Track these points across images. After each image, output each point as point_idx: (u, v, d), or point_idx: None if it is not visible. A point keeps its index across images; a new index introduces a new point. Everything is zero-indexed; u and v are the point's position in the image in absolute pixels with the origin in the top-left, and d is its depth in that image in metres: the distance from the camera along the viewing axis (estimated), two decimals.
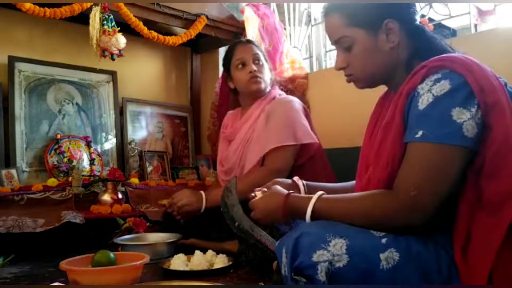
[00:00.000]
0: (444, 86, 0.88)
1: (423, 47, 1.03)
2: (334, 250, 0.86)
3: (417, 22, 1.07)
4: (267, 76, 1.90)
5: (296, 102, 1.83)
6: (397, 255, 0.86)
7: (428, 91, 0.89)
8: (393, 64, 1.05)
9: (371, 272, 0.86)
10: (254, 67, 1.86)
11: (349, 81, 1.13)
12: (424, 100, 0.89)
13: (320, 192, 1.01)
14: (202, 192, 1.80)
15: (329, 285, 0.86)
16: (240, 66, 1.88)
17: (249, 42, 1.97)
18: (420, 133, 0.88)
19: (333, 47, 1.14)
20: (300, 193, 1.26)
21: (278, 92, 1.92)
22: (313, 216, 0.98)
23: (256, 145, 1.78)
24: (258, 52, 1.90)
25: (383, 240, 0.88)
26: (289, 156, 1.71)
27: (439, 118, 0.87)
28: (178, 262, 1.51)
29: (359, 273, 0.86)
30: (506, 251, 0.82)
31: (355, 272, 0.86)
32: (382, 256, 0.86)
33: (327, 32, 1.13)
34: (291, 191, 1.09)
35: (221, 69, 2.96)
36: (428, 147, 0.87)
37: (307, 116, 1.84)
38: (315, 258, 0.86)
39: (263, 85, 1.87)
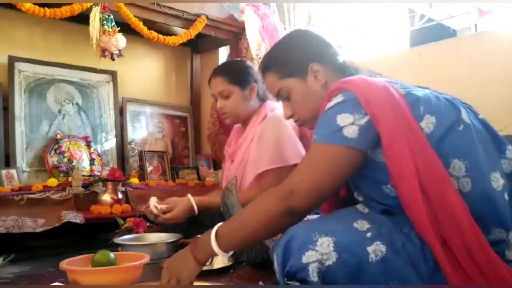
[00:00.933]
0: (338, 99, 0.99)
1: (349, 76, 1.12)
2: (322, 249, 0.90)
3: (340, 60, 1.20)
4: (240, 104, 1.82)
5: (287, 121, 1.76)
6: (383, 247, 0.90)
7: (328, 105, 1.02)
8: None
9: (361, 266, 0.89)
10: (220, 104, 1.84)
11: (299, 126, 1.29)
12: (322, 112, 1.03)
13: (216, 226, 1.03)
14: (193, 204, 1.76)
15: (327, 285, 0.87)
16: (215, 100, 1.91)
17: (218, 74, 1.86)
18: (314, 137, 1.00)
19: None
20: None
21: (270, 108, 1.85)
22: (223, 247, 1.00)
23: (251, 166, 1.76)
24: (224, 87, 1.82)
25: (368, 234, 0.92)
26: (282, 176, 1.65)
27: (326, 123, 0.99)
28: None
29: (349, 269, 0.89)
30: (461, 239, 0.86)
31: (345, 268, 0.89)
32: (369, 249, 0.89)
33: (268, 90, 1.29)
34: (198, 236, 1.08)
35: None
36: (315, 146, 0.99)
37: (306, 130, 1.77)
38: (304, 259, 0.89)
39: (231, 119, 1.86)
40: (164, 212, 1.75)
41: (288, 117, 1.25)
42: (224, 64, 1.93)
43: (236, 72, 1.84)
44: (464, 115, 0.99)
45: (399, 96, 0.97)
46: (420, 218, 0.88)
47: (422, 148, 0.91)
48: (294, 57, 1.19)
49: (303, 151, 1.70)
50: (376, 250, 0.89)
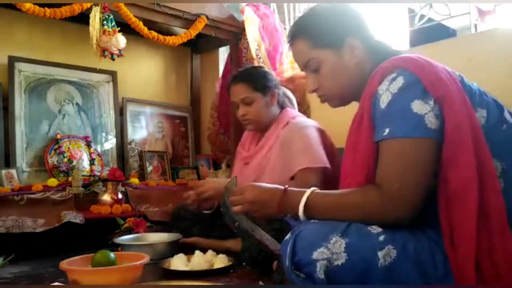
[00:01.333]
0: (399, 83, 0.92)
1: (385, 59, 1.06)
2: (334, 248, 0.88)
3: (377, 38, 1.13)
4: (262, 111, 1.82)
5: (312, 127, 1.76)
6: (394, 252, 0.87)
7: (387, 90, 0.94)
8: (359, 79, 1.10)
9: (368, 270, 0.87)
10: (242, 111, 1.83)
11: (322, 101, 1.20)
12: (384, 99, 0.94)
13: (313, 188, 1.03)
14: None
15: (328, 284, 0.87)
16: (235, 107, 1.89)
17: (239, 81, 1.84)
18: (387, 130, 0.92)
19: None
20: None
21: (291, 115, 1.84)
22: (306, 211, 0.99)
23: (275, 171, 1.72)
24: (246, 94, 1.80)
25: (381, 238, 0.89)
26: (319, 176, 1.65)
27: (400, 113, 0.91)
28: (178, 262, 1.51)
29: (357, 271, 0.87)
30: (486, 239, 0.84)
31: (352, 270, 0.87)
32: (380, 253, 0.87)
33: (295, 59, 1.19)
34: (287, 186, 1.08)
35: (221, 69, 2.98)
36: (396, 142, 0.91)
37: (325, 138, 1.78)
38: (314, 255, 0.88)
39: (253, 126, 1.85)
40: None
41: (313, 91, 1.17)
42: (244, 71, 1.89)
43: (258, 79, 1.83)
44: (507, 115, 0.97)
45: (458, 81, 0.94)
46: (470, 211, 0.84)
47: (479, 139, 0.88)
48: (331, 26, 1.10)
49: (325, 159, 1.69)
50: (386, 255, 0.87)
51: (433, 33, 2.43)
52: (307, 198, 1.00)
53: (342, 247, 0.88)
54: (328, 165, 1.66)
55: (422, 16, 2.30)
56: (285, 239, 0.97)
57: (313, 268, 0.87)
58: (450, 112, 0.89)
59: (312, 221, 0.99)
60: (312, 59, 1.12)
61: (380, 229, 0.91)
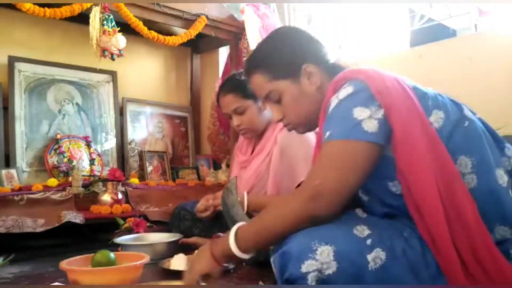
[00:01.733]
0: (347, 90, 0.95)
1: None
2: (322, 258, 0.86)
3: (331, 61, 1.15)
4: (256, 117, 1.79)
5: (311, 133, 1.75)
6: (383, 254, 0.87)
7: (336, 97, 0.97)
8: (321, 102, 1.09)
9: (360, 275, 0.86)
10: (236, 122, 1.79)
11: (289, 130, 1.21)
12: (332, 105, 0.97)
13: (237, 225, 1.00)
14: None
15: (329, 285, 0.87)
16: (228, 117, 1.87)
17: (227, 92, 1.80)
18: (328, 133, 0.94)
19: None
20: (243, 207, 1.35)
21: None
22: (241, 248, 0.96)
23: (275, 178, 1.70)
24: (238, 103, 1.77)
25: (368, 241, 0.89)
26: None
27: (341, 117, 0.93)
28: (178, 262, 1.51)
29: (349, 278, 0.86)
30: (464, 236, 0.85)
31: (345, 277, 0.86)
32: (369, 257, 0.87)
33: (255, 91, 1.20)
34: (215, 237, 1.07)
35: (221, 69, 2.98)
36: (332, 144, 0.93)
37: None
38: (303, 269, 0.86)
39: (250, 134, 1.83)
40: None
41: (278, 121, 1.19)
42: (229, 80, 1.85)
43: (246, 86, 1.76)
44: (467, 112, 0.98)
45: (409, 89, 0.95)
46: (436, 216, 0.85)
47: (434, 143, 0.89)
48: (286, 57, 1.12)
49: None
50: (375, 257, 0.87)
51: (433, 33, 2.43)
52: (235, 235, 0.97)
53: (331, 256, 0.86)
54: None
55: (422, 16, 2.30)
56: (272, 251, 0.95)
57: (305, 281, 0.86)
58: (397, 120, 0.90)
59: (294, 234, 0.94)
60: (272, 91, 1.14)
61: (366, 232, 0.90)
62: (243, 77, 1.83)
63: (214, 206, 1.71)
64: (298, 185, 1.62)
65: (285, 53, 1.12)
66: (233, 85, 1.81)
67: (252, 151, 1.89)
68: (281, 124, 1.78)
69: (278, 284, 0.92)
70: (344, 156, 0.90)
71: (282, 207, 0.95)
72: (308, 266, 0.86)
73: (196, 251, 1.51)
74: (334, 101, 0.96)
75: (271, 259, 0.94)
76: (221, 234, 1.10)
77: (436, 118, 0.94)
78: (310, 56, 1.12)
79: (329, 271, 0.86)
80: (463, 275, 0.83)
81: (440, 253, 0.86)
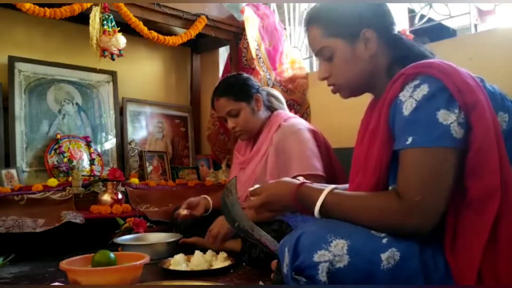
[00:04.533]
0: (424, 90, 0.90)
1: (402, 54, 1.06)
2: (335, 251, 0.87)
3: (395, 31, 1.10)
4: (251, 119, 1.81)
5: (305, 130, 1.72)
6: (398, 255, 0.87)
7: (410, 97, 0.91)
8: (373, 72, 1.08)
9: (371, 272, 0.86)
10: (231, 124, 1.82)
11: (333, 92, 1.16)
12: (407, 106, 0.91)
13: (332, 186, 1.01)
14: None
15: (329, 285, 0.87)
16: (223, 120, 1.88)
17: (221, 95, 1.82)
18: (410, 139, 0.89)
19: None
20: None
21: (282, 117, 1.81)
22: (322, 209, 0.98)
23: (271, 177, 1.69)
24: (231, 106, 1.79)
25: (384, 240, 0.88)
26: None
27: (425, 122, 0.88)
28: (178, 262, 1.51)
29: (359, 274, 0.86)
30: (493, 250, 0.83)
31: (355, 272, 0.86)
32: (383, 256, 0.86)
33: (309, 44, 1.16)
34: (305, 181, 1.08)
35: (221, 69, 2.98)
36: (420, 152, 0.88)
37: (319, 139, 1.75)
38: (316, 258, 0.87)
39: (246, 136, 1.85)
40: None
41: (323, 79, 1.15)
42: (223, 84, 1.87)
43: (238, 88, 1.81)
44: None
45: (481, 86, 0.93)
46: (486, 220, 0.83)
47: (502, 145, 0.87)
48: (347, 16, 1.07)
49: (321, 162, 1.66)
50: (389, 257, 0.86)
51: (433, 33, 2.43)
52: (325, 197, 0.98)
53: (345, 249, 0.87)
54: (319, 172, 1.62)
55: (422, 16, 2.30)
56: (282, 241, 0.96)
57: (315, 270, 0.86)
58: (480, 120, 0.87)
59: (313, 223, 0.98)
60: (325, 47, 1.10)
61: (383, 233, 0.90)
62: (239, 79, 1.86)
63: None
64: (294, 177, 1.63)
65: (347, 13, 1.08)
66: (226, 88, 1.83)
67: (250, 152, 1.90)
68: (276, 124, 1.80)
69: (285, 270, 0.91)
70: (438, 166, 0.87)
71: (379, 206, 0.92)
72: (320, 256, 0.87)
73: (196, 251, 1.51)
74: (410, 102, 0.91)
75: (282, 247, 0.94)
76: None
77: (501, 120, 0.92)
78: (372, 21, 1.07)
79: (340, 264, 0.86)
80: (474, 278, 0.82)
81: (459, 257, 0.84)
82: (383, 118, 0.97)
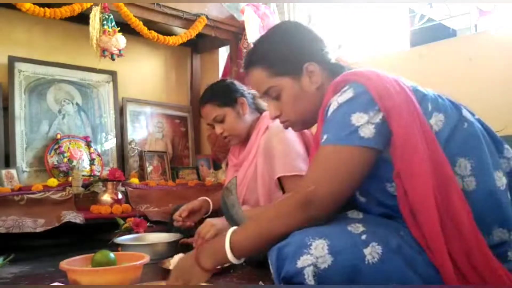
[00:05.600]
0: (348, 94, 0.95)
1: None
2: (316, 252, 0.87)
3: (332, 61, 1.13)
4: (237, 123, 1.81)
5: (290, 130, 1.70)
6: (379, 248, 0.88)
7: (335, 101, 0.97)
8: (320, 102, 1.09)
9: (358, 268, 0.87)
10: (218, 130, 1.83)
11: (286, 127, 1.20)
12: (331, 108, 0.97)
13: (232, 229, 1.00)
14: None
15: (327, 285, 0.87)
16: (212, 127, 1.89)
17: (205, 103, 1.84)
18: (325, 137, 0.95)
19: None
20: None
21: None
22: (235, 253, 0.95)
23: (263, 179, 1.70)
24: (216, 112, 1.80)
25: (363, 237, 0.89)
26: (294, 183, 1.59)
27: (339, 122, 0.94)
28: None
29: (346, 271, 0.87)
30: (458, 240, 0.85)
31: (341, 270, 0.86)
32: (365, 251, 0.87)
33: (254, 87, 1.19)
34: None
35: (221, 69, 2.98)
36: (328, 148, 0.94)
37: (306, 138, 1.72)
38: (299, 264, 0.86)
39: (235, 140, 1.85)
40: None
41: (275, 117, 1.19)
42: (207, 91, 1.90)
43: (221, 94, 1.83)
44: (466, 113, 0.98)
45: (409, 91, 0.95)
46: (431, 221, 0.85)
47: (432, 146, 0.89)
48: (288, 54, 1.10)
49: (307, 163, 1.63)
50: (372, 251, 0.87)
51: (433, 33, 2.44)
52: (230, 241, 0.96)
53: (325, 249, 0.87)
54: (303, 172, 1.59)
55: (422, 16, 2.30)
56: (270, 251, 0.95)
57: (302, 276, 0.86)
58: (398, 124, 0.90)
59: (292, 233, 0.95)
60: (272, 88, 1.13)
61: (361, 229, 0.91)
62: (221, 85, 1.89)
63: (190, 220, 1.76)
64: (278, 179, 1.63)
65: (288, 50, 1.11)
66: (209, 95, 1.86)
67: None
68: (264, 127, 1.80)
69: (275, 282, 0.92)
70: (339, 161, 0.92)
71: (275, 212, 0.96)
72: (303, 261, 0.87)
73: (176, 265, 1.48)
74: (334, 104, 0.96)
75: (269, 260, 0.94)
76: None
77: (436, 121, 0.94)
78: (313, 55, 1.10)
79: (325, 265, 0.86)
80: (455, 278, 0.84)
81: (433, 255, 0.86)
82: (320, 123, 1.02)
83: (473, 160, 0.92)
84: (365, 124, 0.91)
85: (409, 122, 0.90)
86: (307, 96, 1.11)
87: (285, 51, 1.11)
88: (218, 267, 1.02)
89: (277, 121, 1.77)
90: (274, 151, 1.66)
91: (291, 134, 1.68)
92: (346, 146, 0.91)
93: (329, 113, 0.97)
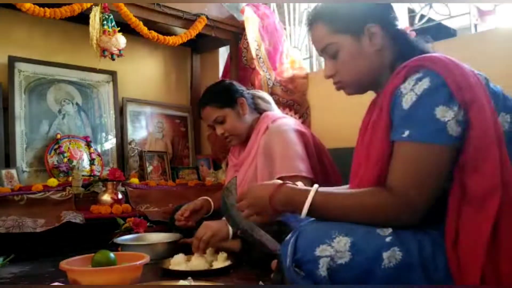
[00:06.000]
0: (424, 84, 0.90)
1: (405, 50, 1.05)
2: (338, 247, 0.87)
3: (398, 27, 1.10)
4: (237, 123, 1.82)
5: (291, 131, 1.70)
6: (399, 254, 0.87)
7: (411, 90, 0.92)
8: (378, 67, 1.08)
9: (372, 271, 0.86)
10: (219, 131, 1.84)
11: (338, 89, 1.16)
12: (407, 99, 0.92)
13: (316, 186, 1.01)
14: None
15: (329, 282, 0.87)
16: (213, 129, 1.90)
17: (205, 105, 1.85)
18: (407, 132, 0.90)
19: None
20: None
21: (271, 119, 1.81)
22: (310, 210, 0.97)
23: (262, 180, 1.68)
24: (216, 113, 1.82)
25: (388, 239, 0.88)
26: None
27: (423, 117, 0.89)
28: (178, 262, 1.51)
29: (359, 271, 0.86)
30: (495, 250, 0.83)
31: (356, 269, 0.86)
32: (385, 255, 0.86)
33: (314, 43, 1.16)
34: (286, 182, 1.07)
35: (221, 69, 2.98)
36: (415, 146, 0.90)
37: (307, 139, 1.73)
38: (318, 252, 0.87)
39: (235, 141, 1.86)
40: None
41: (329, 77, 1.14)
42: (207, 92, 1.91)
43: (220, 95, 1.84)
44: None
45: (485, 85, 0.93)
46: (488, 217, 0.83)
47: (503, 145, 0.87)
48: (351, 12, 1.07)
49: (307, 166, 1.64)
50: (391, 256, 0.86)
51: (433, 33, 2.43)
52: (313, 197, 0.97)
53: (347, 246, 0.87)
54: (303, 173, 1.60)
55: (422, 16, 2.30)
56: (285, 239, 0.96)
57: (316, 265, 0.87)
58: (478, 117, 0.87)
59: (314, 221, 0.98)
60: (330, 44, 1.09)
61: (388, 231, 0.90)
62: (221, 86, 1.90)
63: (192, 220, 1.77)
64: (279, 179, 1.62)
65: (351, 9, 1.07)
66: (209, 97, 1.87)
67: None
68: (264, 126, 1.80)
69: (286, 263, 0.91)
70: (432, 163, 0.88)
71: (366, 202, 0.93)
72: (322, 250, 0.87)
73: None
74: (410, 95, 0.91)
75: (279, 248, 0.94)
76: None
77: (503, 121, 0.92)
78: (376, 16, 1.07)
79: (341, 261, 0.86)
80: (478, 281, 0.82)
81: (462, 254, 0.84)
82: (385, 108, 0.97)
83: None
84: (452, 120, 0.87)
85: (488, 116, 0.87)
86: (365, 58, 1.07)
87: (347, 9, 1.08)
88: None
89: (278, 121, 1.79)
90: (274, 151, 1.66)
91: (291, 135, 1.68)
92: (435, 144, 0.88)
93: (404, 104, 0.92)
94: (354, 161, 1.11)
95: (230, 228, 1.59)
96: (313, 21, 1.13)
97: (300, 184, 1.13)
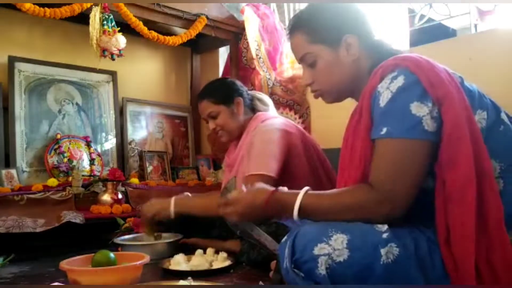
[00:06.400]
0: (399, 82, 0.93)
1: (383, 57, 1.06)
2: (335, 245, 0.88)
3: (375, 37, 1.13)
4: (229, 121, 1.84)
5: (275, 130, 1.69)
6: (396, 250, 0.88)
7: (387, 89, 0.95)
8: (355, 76, 1.11)
9: (370, 267, 0.87)
10: (211, 125, 1.87)
11: (316, 97, 1.20)
12: (384, 98, 0.95)
13: (306, 188, 1.02)
14: (172, 199, 1.76)
15: (329, 281, 0.87)
16: (207, 122, 1.93)
17: (203, 98, 1.87)
18: (384, 129, 0.93)
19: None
20: None
21: (261, 119, 1.81)
22: (300, 212, 0.99)
23: (241, 176, 1.71)
24: (211, 108, 1.84)
25: (384, 235, 0.89)
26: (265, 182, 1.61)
27: (399, 113, 0.92)
28: (178, 262, 1.51)
29: (358, 268, 0.87)
30: (484, 239, 0.84)
31: (355, 267, 0.87)
32: (382, 251, 0.87)
33: (293, 51, 1.20)
34: (278, 188, 1.08)
35: (221, 69, 2.98)
36: (392, 142, 0.92)
37: (294, 139, 1.72)
38: (316, 251, 0.88)
39: (226, 137, 1.88)
40: None
41: (307, 85, 1.18)
42: (207, 86, 1.94)
43: (219, 91, 1.86)
44: (504, 116, 0.98)
45: (458, 82, 0.95)
46: (467, 211, 0.85)
47: (478, 140, 0.89)
48: (329, 23, 1.11)
49: (277, 166, 1.62)
50: (388, 252, 0.87)
51: (433, 33, 2.43)
52: (302, 199, 0.99)
53: (344, 244, 0.88)
54: (271, 173, 1.59)
55: (422, 16, 2.30)
56: (282, 241, 0.97)
57: (315, 264, 0.87)
58: (449, 112, 0.89)
59: (312, 221, 0.99)
60: (308, 54, 1.13)
61: (384, 227, 0.91)
62: (221, 83, 1.93)
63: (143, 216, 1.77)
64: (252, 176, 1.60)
65: (329, 19, 1.12)
66: (207, 92, 1.90)
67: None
68: (254, 126, 1.78)
69: (285, 264, 0.92)
70: (410, 157, 0.90)
71: (352, 201, 0.95)
72: (320, 249, 0.88)
73: (198, 251, 1.50)
74: (386, 94, 0.94)
75: (283, 245, 0.94)
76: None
77: (480, 118, 0.94)
78: (354, 27, 1.10)
79: (340, 259, 0.87)
80: (474, 274, 0.83)
81: (454, 249, 0.86)
82: (365, 108, 0.99)
83: (503, 163, 0.93)
84: (427, 115, 0.90)
85: (459, 111, 0.89)
86: (342, 67, 1.11)
87: (326, 20, 1.12)
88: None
89: (267, 121, 1.79)
90: (253, 151, 1.67)
91: (272, 134, 1.68)
92: (412, 140, 0.90)
93: (381, 102, 0.95)
94: (339, 166, 1.13)
95: (173, 210, 1.70)
96: (293, 29, 1.17)
97: (261, 185, 1.13)
